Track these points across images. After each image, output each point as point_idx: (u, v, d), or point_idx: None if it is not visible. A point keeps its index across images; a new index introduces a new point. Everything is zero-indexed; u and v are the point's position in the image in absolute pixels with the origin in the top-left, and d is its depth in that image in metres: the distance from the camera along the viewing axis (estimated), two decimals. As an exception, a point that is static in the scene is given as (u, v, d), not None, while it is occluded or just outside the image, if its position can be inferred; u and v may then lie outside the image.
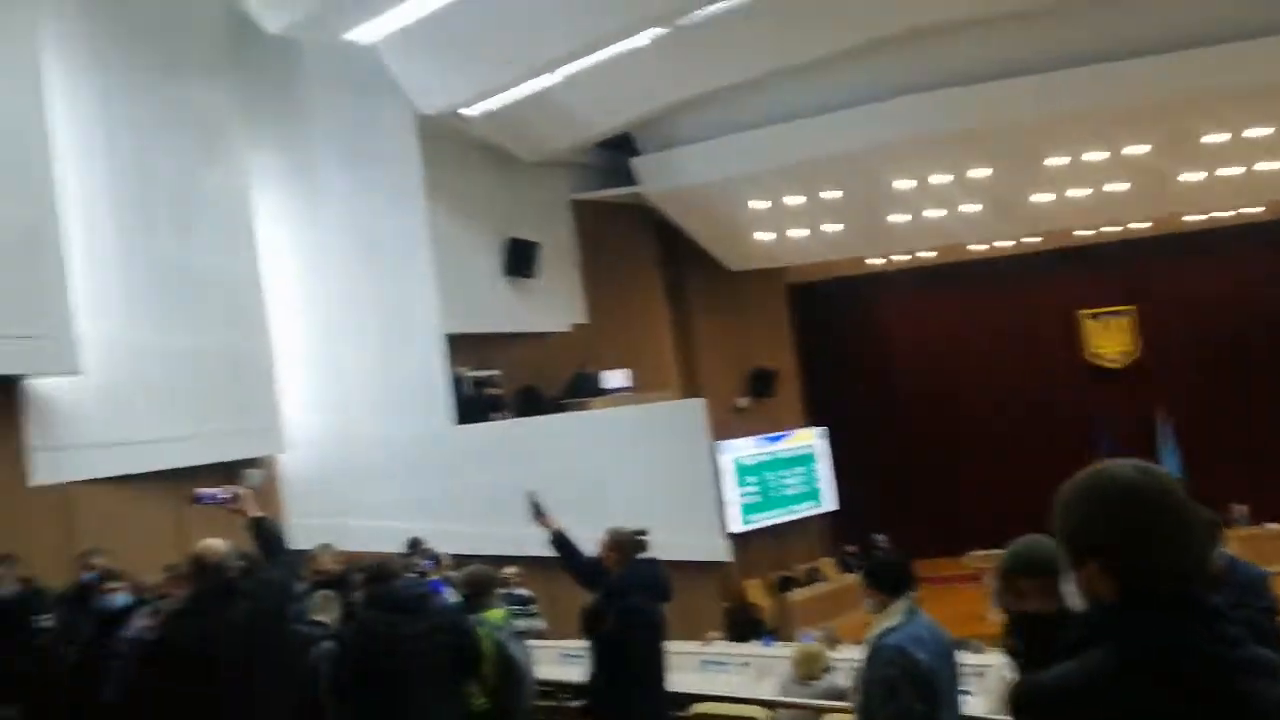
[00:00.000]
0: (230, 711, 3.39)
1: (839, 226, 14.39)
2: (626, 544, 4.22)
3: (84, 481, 6.26)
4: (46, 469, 6.11)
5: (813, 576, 14.56)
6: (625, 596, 4.06)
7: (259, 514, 3.78)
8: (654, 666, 4.23)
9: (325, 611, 4.23)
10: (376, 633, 3.98)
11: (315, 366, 9.22)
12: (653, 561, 4.28)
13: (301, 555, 4.08)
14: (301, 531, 7.92)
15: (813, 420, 16.70)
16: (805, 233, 14.60)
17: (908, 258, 16.21)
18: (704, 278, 15.58)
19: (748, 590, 14.28)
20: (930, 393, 16.79)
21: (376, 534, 8.10)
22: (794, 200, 13.63)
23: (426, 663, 4.03)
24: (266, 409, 8.11)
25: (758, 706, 4.69)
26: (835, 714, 4.41)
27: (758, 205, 13.81)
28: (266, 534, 3.74)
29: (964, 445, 16.31)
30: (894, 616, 3.35)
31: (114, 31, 7.40)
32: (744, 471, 14.93)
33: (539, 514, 4.46)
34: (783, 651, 6.11)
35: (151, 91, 7.65)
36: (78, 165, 6.84)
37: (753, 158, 12.75)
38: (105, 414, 6.65)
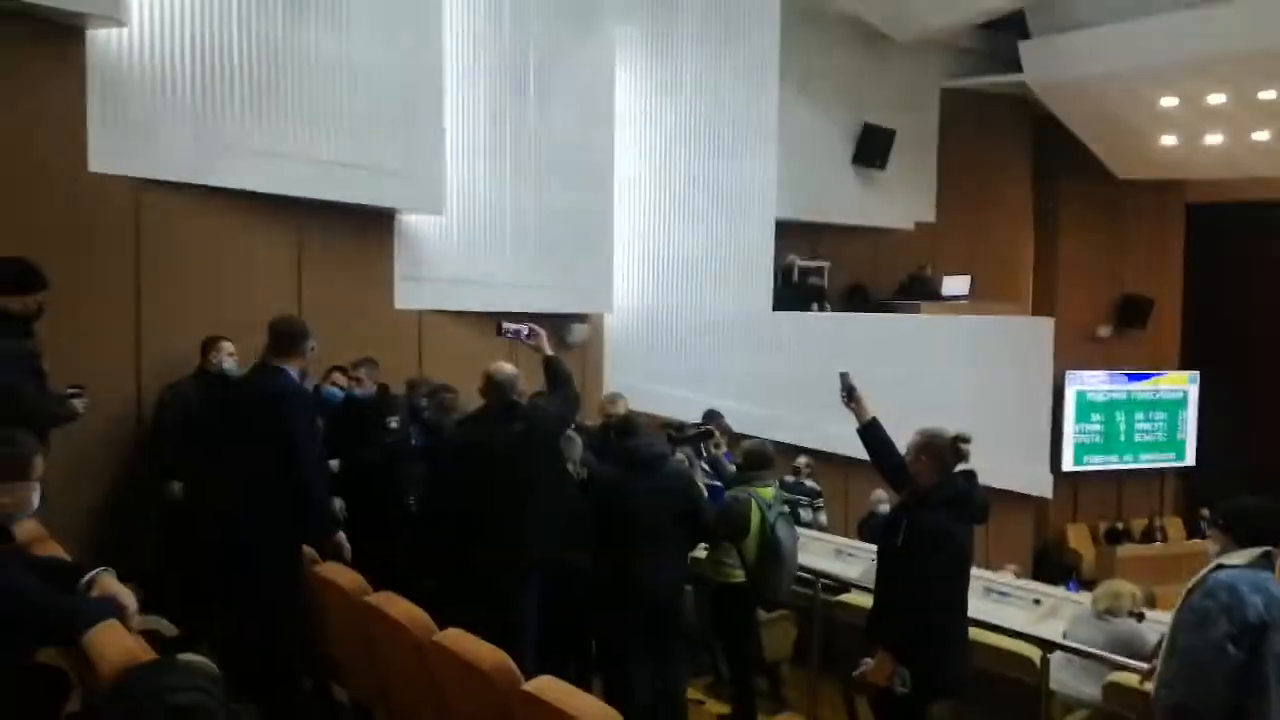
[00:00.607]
0: (495, 517, 3.75)
1: (1268, 135, 11.97)
2: (943, 450, 3.48)
3: (434, 310, 7.10)
4: (407, 295, 6.99)
5: (1151, 534, 12.98)
6: (928, 510, 3.42)
7: (551, 353, 4.08)
8: (954, 596, 3.50)
9: (568, 451, 4.43)
10: (609, 484, 4.25)
11: (648, 235, 9.55)
12: (970, 475, 3.57)
13: (579, 396, 4.29)
14: (619, 390, 8.47)
15: (1189, 363, 14.54)
16: (1223, 140, 12.31)
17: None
18: (1082, 185, 13.85)
19: (1069, 534, 13.11)
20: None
21: (684, 403, 8.42)
22: (1216, 99, 11.49)
23: (653, 519, 4.18)
24: (599, 271, 8.58)
25: (1034, 645, 4.22)
26: (1122, 675, 3.89)
27: (1167, 103, 11.83)
28: (555, 372, 4.04)
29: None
30: (1237, 557, 2.87)
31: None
32: (1089, 407, 13.47)
33: (851, 397, 3.82)
34: (1080, 596, 5.51)
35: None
36: (461, 28, 7.49)
37: (1169, 46, 10.81)
38: (458, 254, 7.41)
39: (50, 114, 4.97)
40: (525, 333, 4.06)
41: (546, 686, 2.55)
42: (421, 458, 4.63)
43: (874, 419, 3.83)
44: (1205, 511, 12.81)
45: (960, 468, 3.55)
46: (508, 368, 3.96)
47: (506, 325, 4.09)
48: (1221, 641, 2.73)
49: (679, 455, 5.80)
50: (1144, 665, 3.58)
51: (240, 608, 3.73)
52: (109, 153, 5.18)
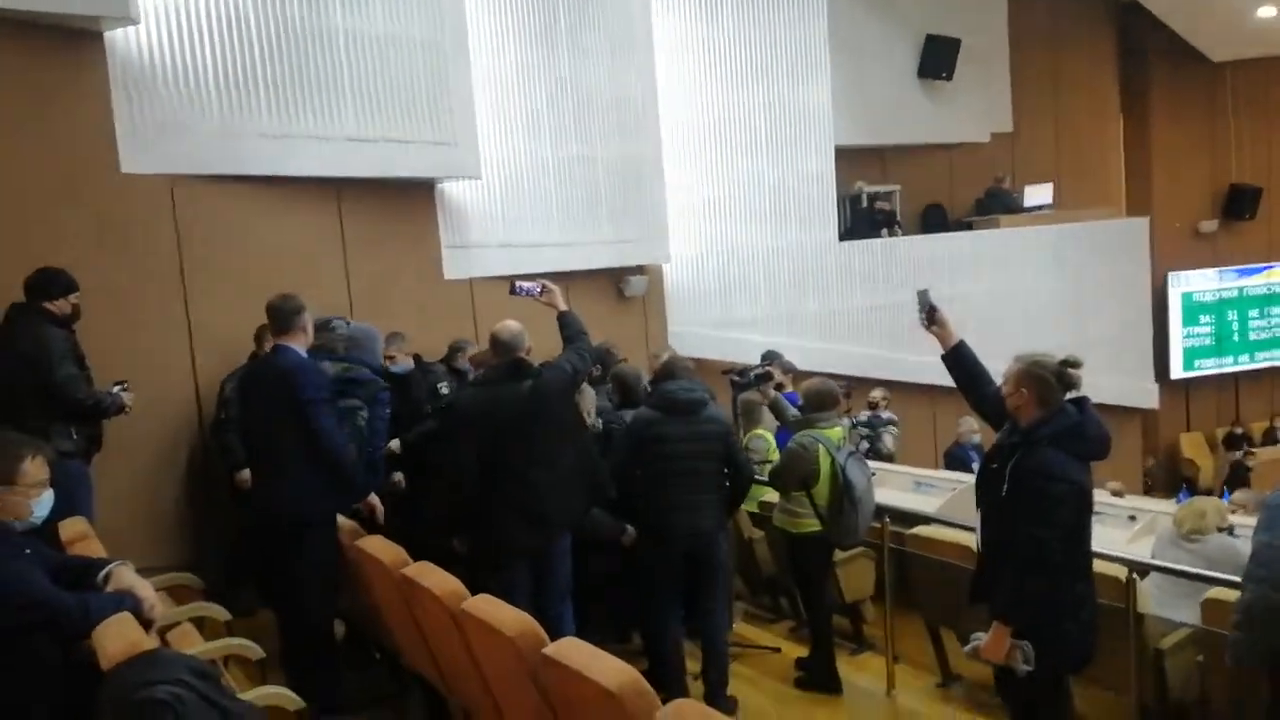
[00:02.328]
0: (511, 478, 3.68)
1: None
2: (1048, 380, 2.93)
3: (484, 278, 7.03)
4: (454, 265, 6.94)
5: (1272, 436, 12.15)
6: (1036, 448, 2.88)
7: (564, 308, 3.98)
8: (1078, 550, 2.96)
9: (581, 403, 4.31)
10: (646, 429, 4.13)
11: (702, 177, 9.26)
12: (1082, 402, 2.97)
13: (593, 348, 4.16)
14: (681, 340, 8.30)
15: (1306, 251, 13.49)
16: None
17: None
18: (1174, 72, 12.90)
19: (1182, 444, 12.39)
20: None
21: (750, 346, 8.18)
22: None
23: (687, 463, 4.08)
24: (652, 219, 8.35)
25: (1120, 565, 3.90)
26: (1220, 590, 3.57)
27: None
28: (568, 327, 3.94)
29: None
30: None
31: None
32: (1197, 309, 12.63)
33: (932, 319, 3.34)
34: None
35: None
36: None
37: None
38: (503, 219, 7.31)
39: (77, 119, 5.02)
40: (539, 290, 3.95)
41: (567, 649, 2.44)
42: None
43: (961, 342, 3.33)
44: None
45: (1069, 395, 3.00)
46: (512, 325, 3.86)
47: (519, 284, 3.98)
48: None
49: (748, 395, 5.62)
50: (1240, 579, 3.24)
51: (285, 580, 3.81)
52: (139, 152, 5.22)
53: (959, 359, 3.31)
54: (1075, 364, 2.97)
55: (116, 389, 4.28)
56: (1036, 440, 2.90)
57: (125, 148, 5.17)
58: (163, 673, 1.85)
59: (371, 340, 4.71)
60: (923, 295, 3.40)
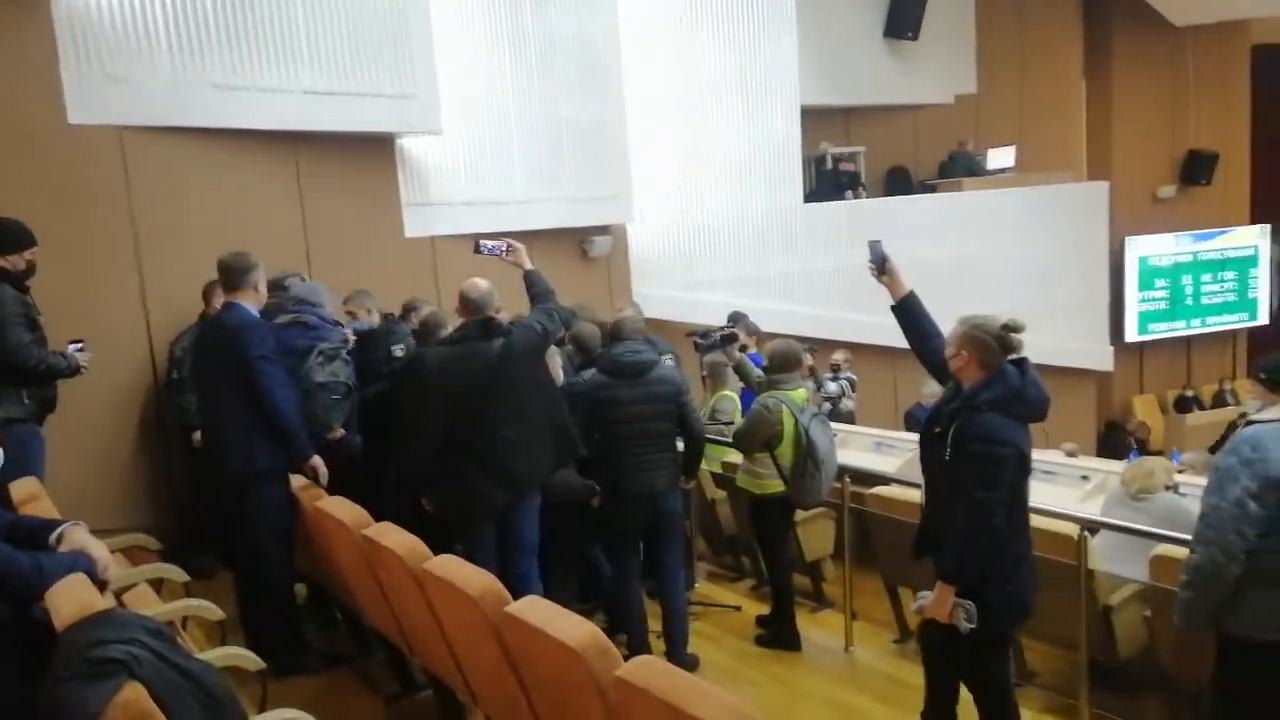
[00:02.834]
0: (479, 437, 3.66)
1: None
2: (988, 343, 2.91)
3: (446, 236, 6.94)
4: (416, 223, 6.84)
5: (1221, 399, 12.45)
6: (977, 414, 2.88)
7: (530, 267, 3.94)
8: (1017, 511, 2.94)
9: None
10: (597, 392, 4.16)
11: (666, 138, 9.18)
12: (1023, 365, 2.96)
13: (562, 308, 4.12)
14: (645, 302, 8.26)
15: (1261, 217, 13.73)
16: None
17: None
18: (1137, 37, 12.96)
19: (1135, 406, 12.66)
20: None
21: (714, 308, 8.18)
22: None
23: (638, 425, 4.11)
24: (617, 178, 8.27)
25: (1072, 524, 3.99)
26: (1168, 548, 3.67)
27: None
28: (535, 285, 3.91)
29: None
30: (1272, 412, 2.66)
31: None
32: (1153, 273, 12.84)
33: (883, 269, 3.30)
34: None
35: None
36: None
37: None
38: (464, 174, 7.21)
39: (22, 69, 4.86)
40: (504, 249, 3.91)
41: (529, 608, 2.45)
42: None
43: (910, 293, 3.29)
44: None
45: (1014, 357, 2.99)
46: (482, 284, 3.82)
47: (484, 243, 3.94)
48: (1242, 498, 2.52)
49: (713, 357, 5.62)
50: (1188, 536, 3.33)
51: (241, 539, 3.80)
52: (87, 103, 5.06)
53: (908, 310, 3.30)
54: (1017, 328, 2.96)
55: (72, 348, 4.17)
56: (977, 405, 2.91)
57: (72, 98, 5.01)
58: (117, 632, 1.82)
59: (318, 295, 4.64)
60: (875, 245, 3.37)
